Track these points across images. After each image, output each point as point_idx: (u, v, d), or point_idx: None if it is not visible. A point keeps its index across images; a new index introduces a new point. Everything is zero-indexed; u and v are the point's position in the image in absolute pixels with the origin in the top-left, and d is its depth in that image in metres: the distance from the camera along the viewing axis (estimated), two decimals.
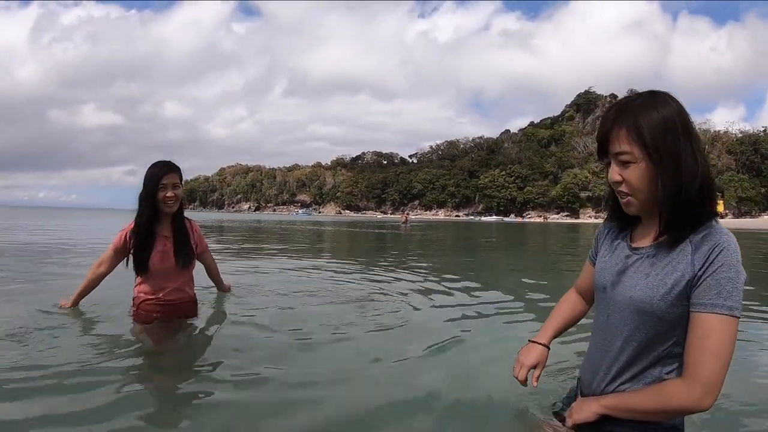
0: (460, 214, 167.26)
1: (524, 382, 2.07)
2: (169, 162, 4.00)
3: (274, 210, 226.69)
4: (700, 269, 1.60)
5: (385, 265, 9.74)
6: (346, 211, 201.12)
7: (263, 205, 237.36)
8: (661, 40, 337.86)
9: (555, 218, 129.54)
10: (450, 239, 25.33)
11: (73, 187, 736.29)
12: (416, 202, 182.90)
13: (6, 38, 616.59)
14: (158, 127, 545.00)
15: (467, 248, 18.44)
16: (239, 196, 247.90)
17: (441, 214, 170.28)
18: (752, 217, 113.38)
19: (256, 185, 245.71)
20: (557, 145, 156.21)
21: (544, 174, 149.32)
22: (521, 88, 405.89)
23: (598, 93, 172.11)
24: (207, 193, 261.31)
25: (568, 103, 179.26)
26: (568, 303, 2.28)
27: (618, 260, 1.84)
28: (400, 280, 7.61)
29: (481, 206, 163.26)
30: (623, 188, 1.70)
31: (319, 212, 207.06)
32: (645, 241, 1.78)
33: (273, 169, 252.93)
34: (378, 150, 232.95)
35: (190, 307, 4.27)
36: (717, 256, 1.58)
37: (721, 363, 1.58)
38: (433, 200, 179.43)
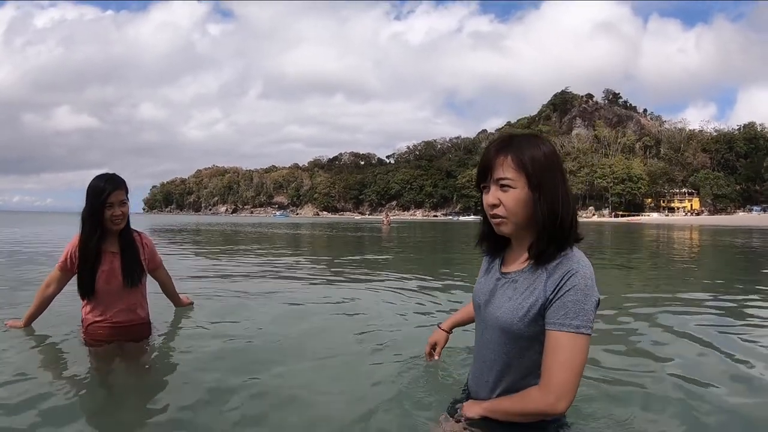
0: (438, 214, 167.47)
1: (429, 358, 2.72)
2: (115, 176, 3.71)
3: (251, 212, 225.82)
4: (551, 293, 1.77)
5: (366, 272, 9.24)
6: (324, 213, 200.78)
7: (240, 207, 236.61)
8: (632, 42, 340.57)
9: None
10: (432, 240, 25.08)
11: (49, 191, 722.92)
12: (394, 203, 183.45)
13: None
14: (134, 129, 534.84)
15: (449, 248, 18.26)
16: (216, 198, 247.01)
17: (419, 215, 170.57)
18: (727, 213, 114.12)
19: (233, 187, 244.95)
20: None
21: None
22: (495, 89, 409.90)
23: (575, 93, 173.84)
24: (183, 195, 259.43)
25: (545, 102, 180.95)
26: (471, 304, 2.40)
27: (490, 282, 2.01)
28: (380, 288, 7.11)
29: (459, 206, 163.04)
30: (499, 211, 1.83)
31: (297, 214, 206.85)
32: (513, 266, 1.93)
33: (250, 170, 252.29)
34: (355, 151, 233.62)
35: (143, 329, 3.96)
36: (567, 281, 1.75)
37: (571, 373, 1.75)
38: (411, 200, 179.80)
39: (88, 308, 3.74)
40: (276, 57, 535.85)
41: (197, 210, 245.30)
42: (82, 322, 3.84)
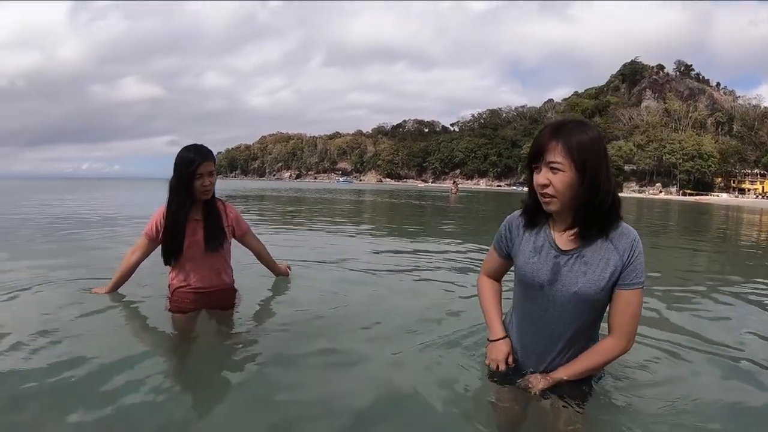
0: (502, 183, 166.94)
1: (504, 367, 2.44)
2: (204, 148, 3.78)
3: (315, 178, 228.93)
4: (627, 259, 2.16)
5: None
6: (387, 179, 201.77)
7: (304, 172, 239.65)
8: (703, 11, 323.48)
9: None
10: (500, 210, 23.51)
11: (116, 159, 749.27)
12: (457, 171, 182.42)
13: (46, 20, 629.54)
14: (199, 97, 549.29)
15: None
16: (280, 164, 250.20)
17: (482, 184, 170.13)
18: None
19: (296, 153, 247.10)
20: (602, 116, 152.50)
21: None
22: (560, 58, 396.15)
23: (645, 63, 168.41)
24: (248, 161, 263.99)
25: (614, 73, 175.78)
26: (494, 291, 2.66)
27: (547, 261, 2.26)
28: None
29: (523, 176, 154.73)
30: (549, 190, 2.12)
31: (360, 180, 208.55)
32: (569, 244, 2.22)
33: (314, 137, 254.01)
34: (419, 118, 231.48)
35: (227, 295, 4.06)
36: (634, 248, 2.15)
37: (636, 321, 2.22)
38: (475, 169, 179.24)
39: (173, 274, 3.88)
40: (337, 25, 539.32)
41: (261, 175, 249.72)
42: (168, 288, 3.97)
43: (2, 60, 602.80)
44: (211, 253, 3.81)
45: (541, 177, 2.11)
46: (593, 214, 2.11)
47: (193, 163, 3.62)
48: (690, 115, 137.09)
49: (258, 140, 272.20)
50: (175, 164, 3.68)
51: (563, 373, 2.29)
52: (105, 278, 4.55)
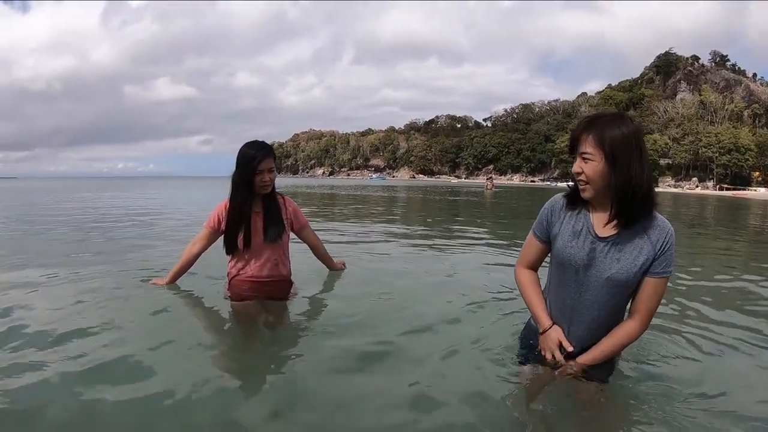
0: (536, 179, 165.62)
1: (559, 360, 2.52)
2: (265, 144, 3.92)
3: (348, 174, 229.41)
4: (659, 250, 2.29)
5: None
6: (420, 176, 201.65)
7: (337, 169, 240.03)
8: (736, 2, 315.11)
9: None
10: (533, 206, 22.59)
11: (150, 158, 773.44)
12: (491, 167, 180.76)
13: (79, 23, 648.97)
14: (231, 96, 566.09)
15: None
16: (313, 161, 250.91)
17: (516, 179, 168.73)
18: None
19: (329, 150, 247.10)
20: (636, 109, 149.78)
21: None
22: (592, 50, 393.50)
23: (679, 54, 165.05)
24: (281, 158, 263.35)
25: (647, 65, 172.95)
26: (535, 282, 2.72)
27: (585, 246, 2.40)
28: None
29: (557, 171, 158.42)
30: (582, 177, 2.32)
31: (393, 176, 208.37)
32: (606, 231, 2.36)
33: (346, 134, 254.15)
34: (451, 113, 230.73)
35: (283, 286, 4.17)
36: (667, 239, 2.29)
37: (657, 307, 2.40)
38: (508, 164, 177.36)
39: (232, 263, 4.03)
40: (366, 22, 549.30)
41: (295, 172, 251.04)
42: (227, 276, 4.10)
43: (39, 64, 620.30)
44: (269, 244, 3.95)
45: (575, 165, 2.34)
46: (627, 203, 2.25)
47: (254, 160, 3.78)
48: (726, 107, 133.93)
49: (291, 138, 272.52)
50: (238, 160, 3.84)
51: (590, 358, 2.50)
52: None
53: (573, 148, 2.37)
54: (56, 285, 4.94)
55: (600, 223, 2.37)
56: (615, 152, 2.21)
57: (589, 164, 2.28)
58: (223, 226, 3.98)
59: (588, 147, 2.27)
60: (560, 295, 2.54)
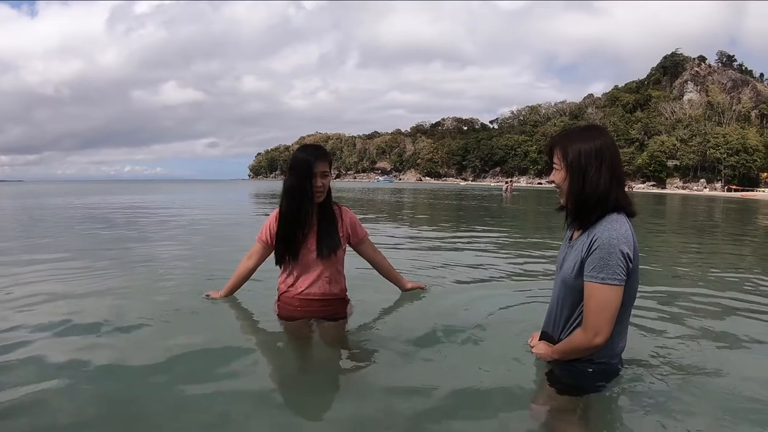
0: (543, 181, 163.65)
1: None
2: (320, 147, 3.69)
3: (354, 177, 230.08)
4: (586, 251, 2.37)
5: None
6: (427, 178, 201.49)
7: (344, 172, 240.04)
8: (735, 2, 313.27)
9: (640, 188, 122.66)
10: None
11: (158, 161, 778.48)
12: (497, 169, 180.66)
13: (86, 28, 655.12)
14: (239, 100, 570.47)
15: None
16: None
17: (523, 182, 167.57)
18: None
19: (336, 153, 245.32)
20: (643, 110, 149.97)
21: (630, 141, 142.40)
22: (595, 53, 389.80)
23: (686, 55, 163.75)
24: (288, 161, 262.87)
25: (654, 65, 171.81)
26: None
27: (563, 250, 2.64)
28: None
29: None
30: (555, 185, 2.53)
31: (400, 179, 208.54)
32: (575, 234, 2.56)
33: (353, 136, 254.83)
34: (458, 116, 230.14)
35: (337, 305, 3.86)
36: (593, 242, 2.33)
37: (601, 316, 2.32)
38: (515, 167, 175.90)
39: (282, 278, 3.80)
40: (370, 27, 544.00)
41: None
42: (277, 292, 3.88)
43: (47, 68, 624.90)
44: (323, 259, 3.66)
45: (551, 175, 2.55)
46: (580, 208, 2.43)
47: (308, 163, 3.54)
48: (734, 107, 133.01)
49: (297, 141, 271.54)
50: (290, 164, 3.61)
51: (552, 351, 2.67)
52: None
53: (549, 159, 2.58)
54: (101, 295, 5.06)
55: (573, 226, 2.61)
56: (574, 162, 2.40)
57: (557, 173, 2.51)
58: (274, 238, 3.73)
59: (555, 157, 2.50)
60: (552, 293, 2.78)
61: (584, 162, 2.39)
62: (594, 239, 2.35)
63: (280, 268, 3.78)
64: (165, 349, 3.44)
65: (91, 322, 4.02)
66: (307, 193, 3.53)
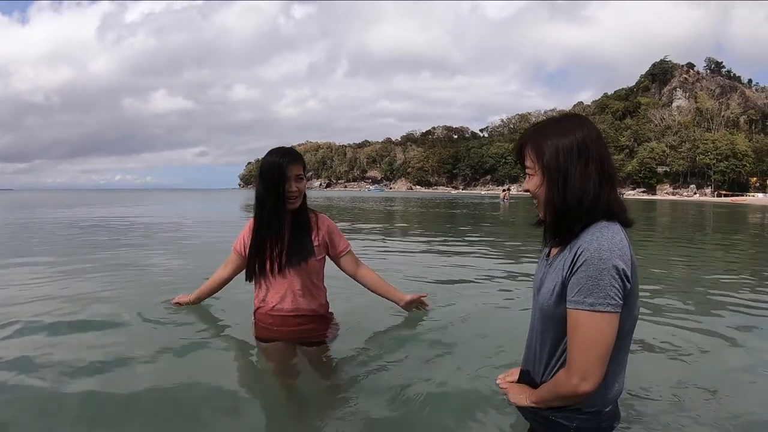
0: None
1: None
2: (291, 150, 3.34)
3: (345, 186, 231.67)
4: (568, 269, 1.77)
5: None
6: (417, 187, 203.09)
7: (334, 181, 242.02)
8: (720, 8, 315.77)
9: (631, 194, 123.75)
10: None
11: (148, 170, 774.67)
12: (488, 177, 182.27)
13: (77, 36, 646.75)
14: (229, 108, 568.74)
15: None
16: (310, 173, 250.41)
17: (513, 190, 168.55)
18: None
19: (326, 162, 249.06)
20: (632, 117, 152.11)
21: (620, 148, 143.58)
22: (583, 60, 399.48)
23: (674, 62, 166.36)
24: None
25: (643, 73, 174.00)
26: None
27: (541, 269, 2.01)
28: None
29: None
30: (530, 194, 1.93)
31: (390, 188, 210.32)
32: (554, 250, 1.95)
33: (343, 145, 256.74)
34: (448, 124, 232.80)
35: (315, 323, 3.49)
36: (578, 256, 1.73)
37: (590, 354, 1.72)
38: (506, 175, 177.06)
39: (256, 292, 3.48)
40: (358, 36, 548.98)
41: None
42: (253, 309, 3.53)
43: (37, 76, 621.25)
44: (292, 269, 3.33)
45: (524, 183, 1.98)
46: (561, 220, 1.85)
47: (280, 167, 3.20)
48: (722, 113, 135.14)
49: None
50: (261, 170, 3.27)
51: (532, 397, 2.02)
52: None
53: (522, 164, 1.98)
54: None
55: (553, 243, 2.01)
56: (551, 162, 1.82)
57: (530, 180, 1.91)
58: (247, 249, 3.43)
59: (527, 160, 1.91)
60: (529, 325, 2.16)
61: (563, 161, 1.80)
62: (578, 253, 1.75)
63: (250, 280, 3.43)
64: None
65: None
66: (280, 198, 3.18)
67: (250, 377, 3.39)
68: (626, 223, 1.84)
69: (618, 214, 1.82)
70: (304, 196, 3.33)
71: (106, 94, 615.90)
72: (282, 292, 3.33)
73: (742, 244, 13.06)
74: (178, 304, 4.19)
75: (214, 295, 4.05)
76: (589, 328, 1.71)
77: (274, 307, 3.35)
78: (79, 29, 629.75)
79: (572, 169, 1.79)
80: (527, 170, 1.90)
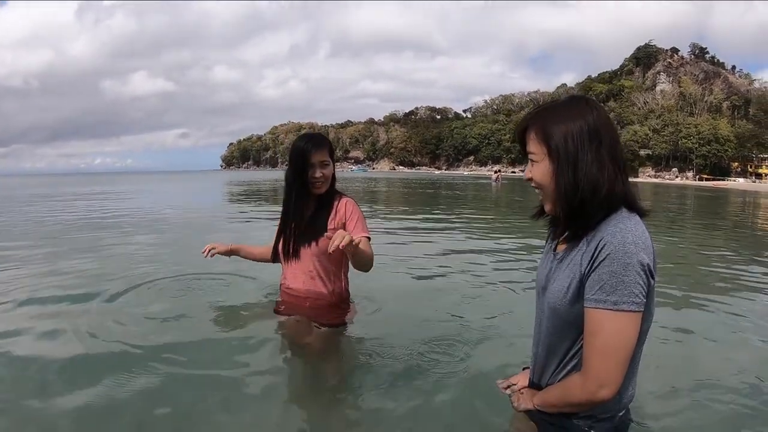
0: (516, 170, 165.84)
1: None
2: (317, 135, 3.39)
3: None
4: (588, 265, 1.64)
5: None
6: (400, 167, 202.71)
7: None
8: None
9: None
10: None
11: (129, 153, 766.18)
12: (471, 158, 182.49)
13: (56, 19, 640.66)
14: (209, 90, 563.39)
15: None
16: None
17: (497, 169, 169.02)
18: None
19: None
20: (616, 100, 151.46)
21: None
22: (564, 44, 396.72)
23: (659, 47, 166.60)
24: (260, 151, 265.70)
25: (627, 56, 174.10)
26: None
27: (546, 264, 1.89)
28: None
29: None
30: (533, 184, 1.80)
31: (373, 168, 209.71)
32: (562, 245, 1.84)
33: (326, 126, 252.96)
34: (431, 105, 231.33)
35: (322, 306, 3.48)
36: (601, 250, 1.60)
37: (612, 358, 1.60)
38: (489, 156, 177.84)
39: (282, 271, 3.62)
40: (340, 17, 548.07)
41: (274, 165, 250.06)
42: None
43: (15, 59, 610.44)
44: (305, 250, 3.37)
45: (526, 170, 1.85)
46: (575, 211, 1.71)
47: (304, 152, 3.24)
48: (705, 98, 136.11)
49: (269, 131, 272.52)
50: (290, 155, 3.33)
51: (537, 401, 1.91)
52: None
53: (523, 151, 1.85)
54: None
55: (561, 236, 1.88)
56: (560, 148, 1.69)
57: (536, 167, 1.77)
58: None
59: (532, 145, 1.77)
60: (534, 320, 2.01)
61: (573, 147, 1.68)
62: (601, 246, 1.62)
63: (273, 260, 3.67)
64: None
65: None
66: (305, 185, 3.29)
67: (264, 350, 3.59)
68: (642, 213, 1.73)
69: (635, 203, 1.71)
70: (333, 179, 3.38)
71: (85, 77, 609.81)
72: (296, 273, 3.45)
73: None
74: (213, 248, 3.87)
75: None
76: (613, 330, 1.60)
77: (289, 286, 3.51)
78: (57, 11, 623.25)
79: (583, 155, 1.67)
80: (531, 156, 1.77)
